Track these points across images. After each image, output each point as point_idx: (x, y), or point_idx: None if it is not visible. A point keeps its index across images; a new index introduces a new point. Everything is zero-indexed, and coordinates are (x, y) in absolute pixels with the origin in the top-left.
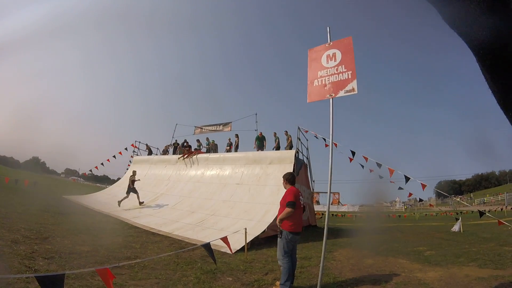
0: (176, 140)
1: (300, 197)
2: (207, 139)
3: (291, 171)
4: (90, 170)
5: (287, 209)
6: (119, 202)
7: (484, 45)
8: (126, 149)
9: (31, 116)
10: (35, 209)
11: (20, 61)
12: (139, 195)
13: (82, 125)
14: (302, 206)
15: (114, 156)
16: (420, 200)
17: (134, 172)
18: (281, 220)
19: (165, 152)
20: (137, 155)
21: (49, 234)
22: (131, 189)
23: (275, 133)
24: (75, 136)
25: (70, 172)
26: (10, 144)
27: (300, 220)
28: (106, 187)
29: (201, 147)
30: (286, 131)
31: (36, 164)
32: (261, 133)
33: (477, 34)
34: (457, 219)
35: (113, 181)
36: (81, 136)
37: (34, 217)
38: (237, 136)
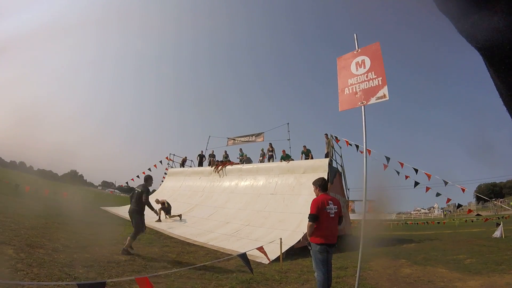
0: (213, 151)
1: (329, 206)
2: (240, 150)
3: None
4: (126, 182)
5: (308, 223)
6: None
7: (496, 45)
8: (161, 162)
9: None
10: (73, 219)
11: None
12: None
13: (123, 139)
14: (333, 214)
15: (149, 169)
16: (459, 205)
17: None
18: (308, 234)
19: (201, 159)
20: (171, 167)
21: (88, 244)
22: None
23: (304, 146)
24: (114, 150)
25: (106, 185)
26: (50, 157)
27: (328, 231)
28: None
29: (227, 158)
30: (326, 134)
31: (74, 177)
32: (284, 151)
33: (490, 35)
34: (498, 224)
35: None
36: (119, 150)
37: (73, 227)
38: (271, 145)
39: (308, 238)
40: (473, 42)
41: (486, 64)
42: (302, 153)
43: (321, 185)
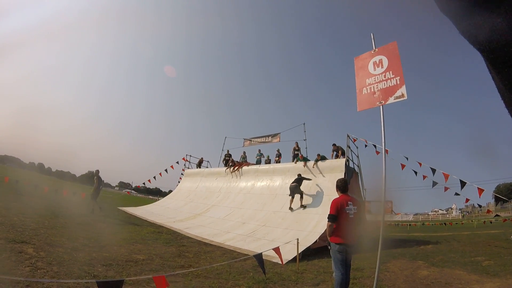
0: (228, 151)
1: (348, 206)
2: (259, 151)
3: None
4: (143, 183)
5: (327, 223)
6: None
7: (498, 46)
8: (177, 163)
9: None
10: (92, 219)
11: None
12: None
13: (137, 142)
14: (353, 215)
15: (166, 170)
16: (479, 206)
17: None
18: (328, 234)
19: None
20: (188, 168)
21: (106, 243)
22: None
23: (318, 155)
24: (131, 152)
25: (123, 185)
26: (66, 159)
27: (347, 231)
28: (158, 199)
29: (245, 159)
30: (334, 144)
31: (91, 178)
32: (302, 155)
33: (492, 37)
34: None
35: (164, 194)
36: (136, 152)
37: (91, 227)
38: (297, 144)
39: (328, 238)
40: (475, 44)
41: (487, 65)
42: (316, 161)
43: (339, 186)
